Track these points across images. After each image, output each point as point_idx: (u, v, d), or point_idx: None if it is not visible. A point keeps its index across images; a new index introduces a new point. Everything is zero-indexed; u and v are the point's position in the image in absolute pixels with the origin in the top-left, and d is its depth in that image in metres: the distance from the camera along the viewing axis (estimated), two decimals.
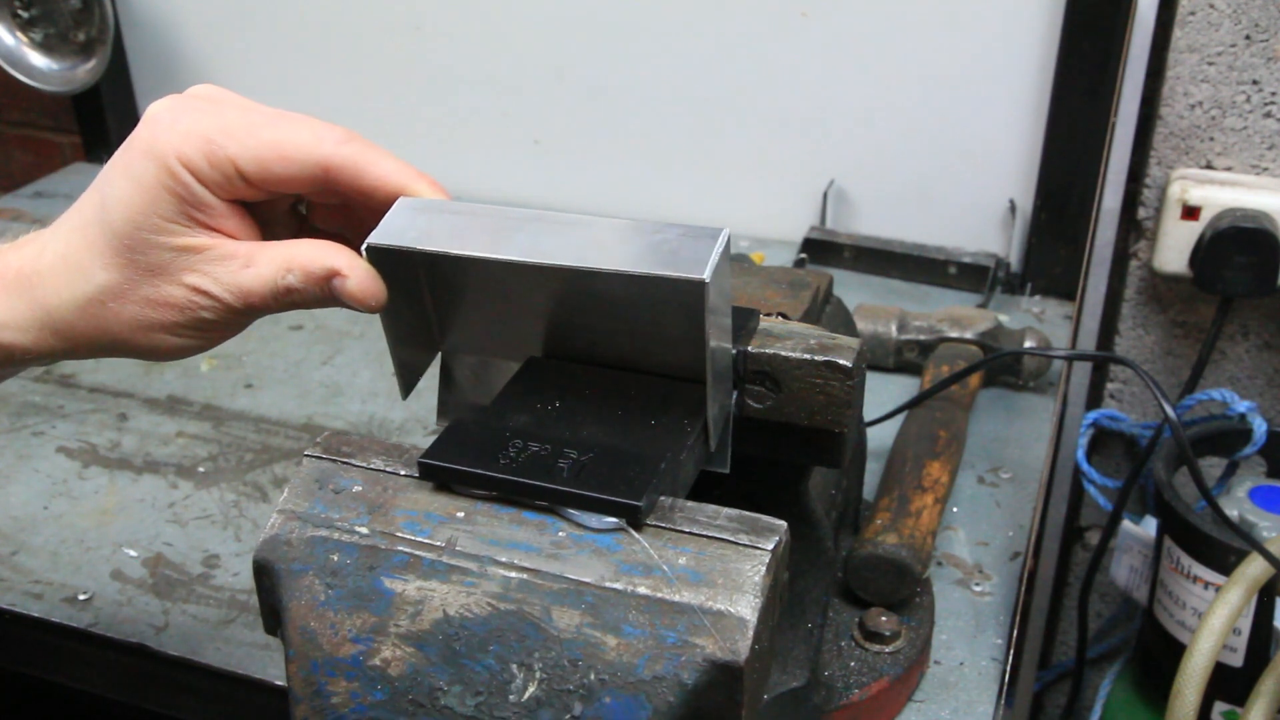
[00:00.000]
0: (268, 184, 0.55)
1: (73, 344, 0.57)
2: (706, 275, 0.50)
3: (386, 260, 0.55)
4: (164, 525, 0.89)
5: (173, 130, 0.53)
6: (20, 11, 1.43)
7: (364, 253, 0.55)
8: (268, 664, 0.76)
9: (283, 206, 0.61)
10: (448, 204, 0.56)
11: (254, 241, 0.56)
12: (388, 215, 0.55)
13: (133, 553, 0.87)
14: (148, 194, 0.53)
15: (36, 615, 0.81)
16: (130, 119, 1.54)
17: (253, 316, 0.57)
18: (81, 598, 0.82)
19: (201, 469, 0.96)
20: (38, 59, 1.45)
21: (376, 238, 0.54)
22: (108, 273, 0.55)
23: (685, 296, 0.51)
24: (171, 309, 0.55)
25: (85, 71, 1.44)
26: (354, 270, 0.55)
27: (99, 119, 1.53)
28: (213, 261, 0.55)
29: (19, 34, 1.44)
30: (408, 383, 0.61)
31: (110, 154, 1.72)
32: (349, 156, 0.55)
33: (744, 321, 0.58)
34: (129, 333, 0.56)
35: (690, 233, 0.52)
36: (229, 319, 0.56)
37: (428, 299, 0.59)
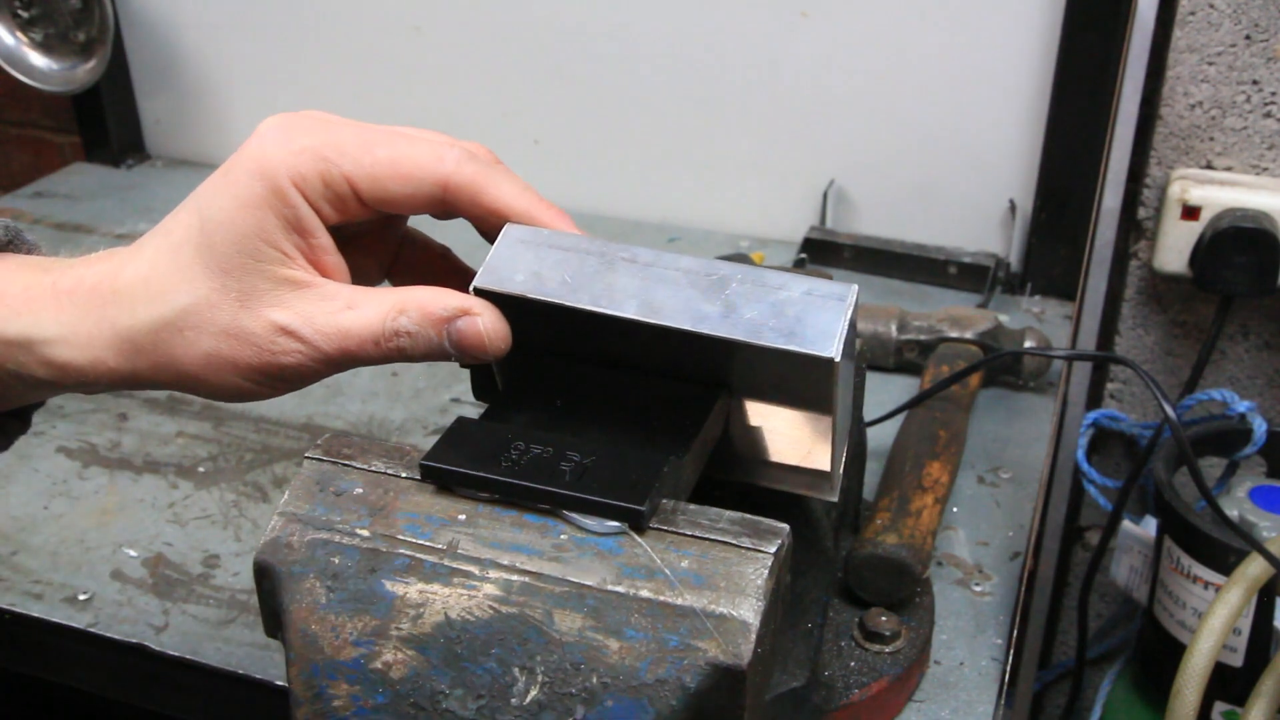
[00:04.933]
0: (383, 203, 0.52)
1: (134, 370, 0.53)
2: (835, 353, 0.48)
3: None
4: (164, 525, 0.89)
5: (285, 148, 0.50)
6: (20, 11, 1.43)
7: (472, 293, 0.53)
8: (268, 664, 0.76)
9: (380, 248, 0.59)
10: (555, 237, 0.53)
11: (359, 287, 0.53)
12: (493, 251, 0.53)
13: (133, 553, 0.87)
14: (254, 215, 0.50)
15: (36, 615, 0.81)
16: (130, 119, 1.54)
17: (341, 366, 0.52)
18: (81, 598, 0.82)
19: (201, 469, 0.96)
20: (38, 59, 1.45)
21: (484, 280, 0.52)
22: (193, 297, 0.51)
23: (811, 365, 0.49)
24: (248, 347, 0.51)
25: (85, 71, 1.44)
26: (486, 309, 0.52)
27: (99, 119, 1.53)
28: (310, 300, 0.51)
29: (19, 34, 1.44)
30: (484, 382, 0.60)
31: (109, 154, 1.71)
32: (469, 177, 0.52)
33: None
34: (198, 367, 0.52)
35: (815, 292, 0.50)
36: (310, 367, 0.52)
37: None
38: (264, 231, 0.51)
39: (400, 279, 0.60)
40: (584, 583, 0.47)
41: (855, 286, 0.51)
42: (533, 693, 0.46)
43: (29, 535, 0.88)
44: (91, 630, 0.80)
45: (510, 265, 0.53)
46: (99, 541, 0.88)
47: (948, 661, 0.77)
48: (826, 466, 0.58)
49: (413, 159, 0.52)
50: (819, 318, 0.50)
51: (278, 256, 0.51)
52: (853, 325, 0.51)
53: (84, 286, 0.53)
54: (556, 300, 0.52)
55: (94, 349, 0.53)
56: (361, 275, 0.57)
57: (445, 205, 0.53)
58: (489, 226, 0.55)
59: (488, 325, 0.52)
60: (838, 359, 0.49)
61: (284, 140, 0.51)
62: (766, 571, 0.47)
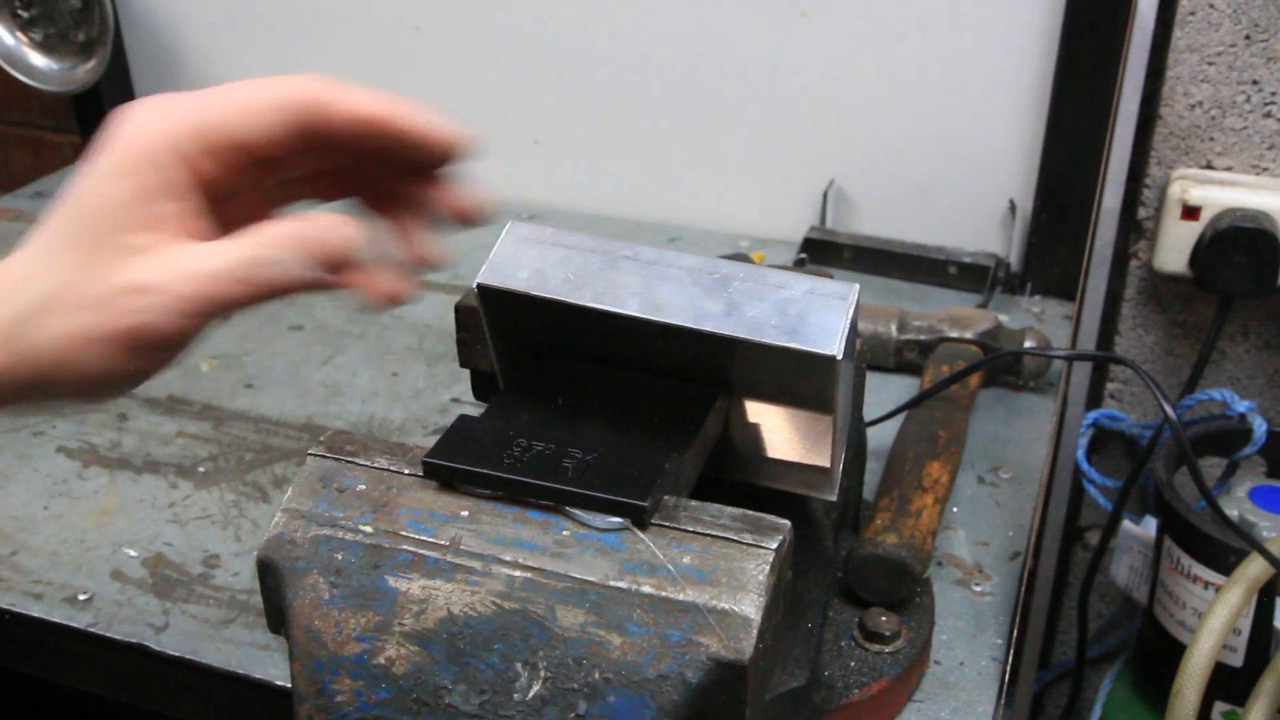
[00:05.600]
0: (247, 145, 0.51)
1: (10, 367, 0.50)
2: (837, 351, 0.49)
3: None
4: (164, 525, 0.89)
5: (144, 118, 0.51)
6: (20, 11, 1.43)
7: (475, 290, 0.53)
8: (268, 664, 0.76)
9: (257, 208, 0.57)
10: (558, 235, 0.53)
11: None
12: (496, 248, 0.53)
13: (133, 553, 0.86)
14: (118, 184, 0.50)
15: (36, 615, 0.81)
16: None
17: (208, 314, 0.49)
18: (81, 598, 0.82)
19: (201, 469, 0.96)
20: (38, 59, 1.45)
21: (487, 277, 0.53)
22: (56, 279, 0.49)
23: (813, 363, 0.50)
24: (105, 314, 0.49)
25: (85, 71, 1.44)
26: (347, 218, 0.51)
27: (99, 119, 1.52)
28: (166, 257, 0.49)
29: (19, 34, 1.44)
30: (484, 383, 0.60)
31: None
32: (315, 91, 0.52)
33: None
34: (61, 349, 0.49)
35: (817, 291, 0.51)
36: (172, 322, 0.49)
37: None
38: (128, 200, 0.49)
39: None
40: (586, 578, 0.47)
41: (856, 286, 0.51)
42: (535, 688, 0.46)
43: (29, 535, 0.88)
44: (91, 630, 0.80)
45: (513, 262, 0.53)
46: (99, 541, 0.88)
47: (948, 661, 0.77)
48: (826, 464, 0.58)
49: (262, 94, 0.52)
50: (821, 316, 0.50)
51: (141, 222, 0.50)
52: (854, 324, 0.51)
53: None
54: (559, 298, 0.52)
55: None
56: None
57: (301, 131, 0.52)
58: (354, 142, 0.53)
59: (346, 225, 0.50)
60: (840, 357, 0.49)
61: (143, 111, 0.51)
62: (768, 567, 0.47)
